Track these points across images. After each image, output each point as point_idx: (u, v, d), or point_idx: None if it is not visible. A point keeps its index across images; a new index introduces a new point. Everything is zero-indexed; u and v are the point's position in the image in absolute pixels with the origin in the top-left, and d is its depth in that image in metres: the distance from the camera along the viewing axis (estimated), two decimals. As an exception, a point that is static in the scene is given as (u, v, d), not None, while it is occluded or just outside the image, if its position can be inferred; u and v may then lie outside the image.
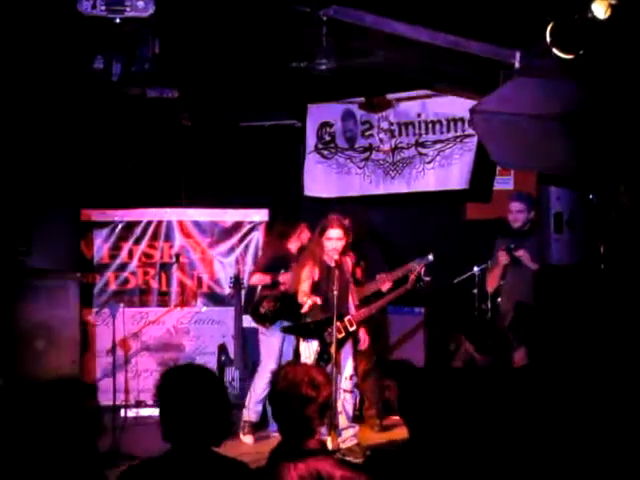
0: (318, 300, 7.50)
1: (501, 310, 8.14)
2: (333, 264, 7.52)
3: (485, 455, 3.49)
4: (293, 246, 8.60)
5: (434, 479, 3.47)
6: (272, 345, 8.43)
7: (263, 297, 8.60)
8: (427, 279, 7.94)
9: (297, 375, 3.77)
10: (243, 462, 3.61)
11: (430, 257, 8.08)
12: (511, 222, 7.93)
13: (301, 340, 7.65)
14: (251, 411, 8.38)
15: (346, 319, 7.69)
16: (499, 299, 8.81)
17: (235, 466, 3.54)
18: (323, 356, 7.49)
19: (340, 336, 7.60)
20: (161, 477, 3.43)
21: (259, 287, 8.76)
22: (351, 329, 7.70)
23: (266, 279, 8.53)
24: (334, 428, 7.35)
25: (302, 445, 3.65)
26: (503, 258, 7.85)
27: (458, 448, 3.48)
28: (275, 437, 7.53)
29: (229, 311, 9.48)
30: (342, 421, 7.58)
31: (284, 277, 8.41)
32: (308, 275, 7.60)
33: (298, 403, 3.69)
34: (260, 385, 8.35)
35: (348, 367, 7.69)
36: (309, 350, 7.54)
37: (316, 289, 7.61)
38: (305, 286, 7.59)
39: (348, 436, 7.69)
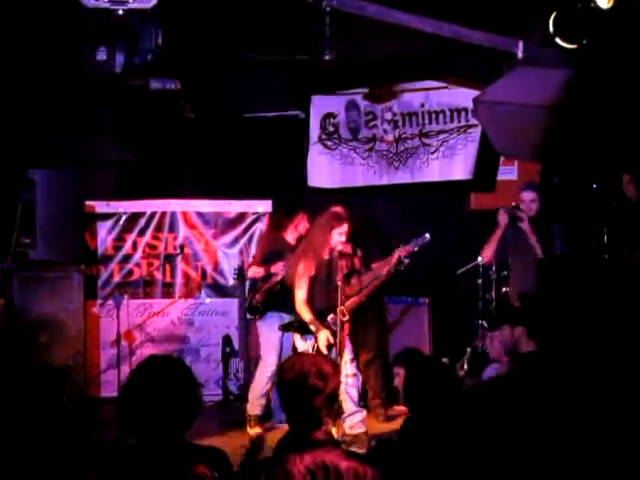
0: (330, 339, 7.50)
1: (510, 300, 8.16)
2: (336, 254, 7.50)
3: (489, 444, 3.49)
4: (290, 237, 8.54)
5: (435, 469, 3.48)
6: (272, 339, 8.42)
7: (255, 289, 8.61)
8: (407, 261, 7.80)
9: (305, 366, 3.76)
10: (219, 449, 3.61)
11: (427, 236, 7.76)
12: (525, 211, 7.83)
13: (298, 336, 7.64)
14: (254, 405, 8.32)
15: (338, 309, 7.58)
16: (506, 289, 8.83)
17: (210, 453, 3.54)
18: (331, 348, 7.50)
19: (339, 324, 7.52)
20: (131, 466, 3.45)
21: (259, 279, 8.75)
22: (344, 319, 7.65)
23: (260, 271, 8.52)
24: (339, 416, 7.33)
25: (309, 436, 3.65)
26: (502, 218, 7.79)
27: (461, 437, 3.49)
28: (280, 428, 7.66)
29: (233, 302, 9.50)
30: (348, 406, 7.55)
31: (276, 267, 8.38)
32: (304, 271, 7.55)
33: (305, 394, 3.68)
34: (261, 380, 8.33)
35: (346, 351, 7.65)
36: (306, 346, 7.53)
37: (314, 283, 7.61)
38: (302, 294, 7.52)
39: (355, 422, 7.61)
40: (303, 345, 7.57)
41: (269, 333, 8.43)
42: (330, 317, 7.57)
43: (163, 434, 3.45)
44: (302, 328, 7.59)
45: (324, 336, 7.41)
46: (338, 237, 7.51)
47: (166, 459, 3.42)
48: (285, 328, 8.00)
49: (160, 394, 3.47)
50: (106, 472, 3.49)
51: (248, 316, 8.84)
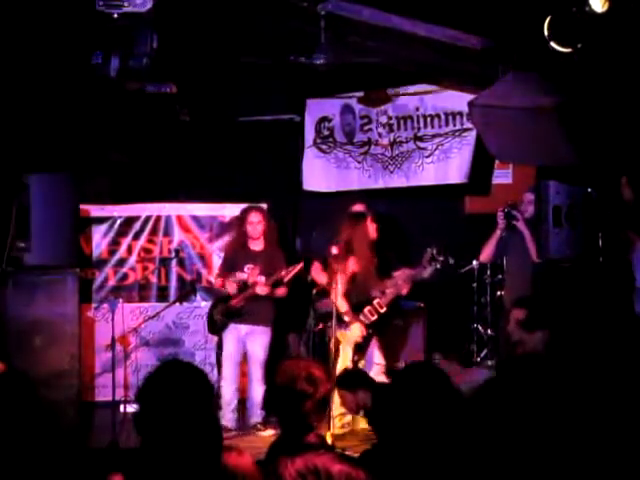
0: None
1: (505, 305, 8.14)
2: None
3: (486, 446, 3.48)
4: (249, 230, 8.49)
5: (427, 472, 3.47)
6: (228, 348, 8.45)
7: (222, 300, 8.59)
8: (441, 258, 7.95)
9: (295, 370, 3.76)
10: None
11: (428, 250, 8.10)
12: (521, 212, 7.83)
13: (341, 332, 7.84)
14: (226, 419, 8.13)
15: (375, 302, 7.97)
16: (501, 292, 8.83)
17: None
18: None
19: (373, 318, 7.95)
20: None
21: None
22: (381, 311, 7.96)
23: (233, 286, 8.45)
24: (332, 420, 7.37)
25: (301, 440, 3.65)
26: (501, 218, 7.79)
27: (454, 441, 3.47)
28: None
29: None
30: None
31: (253, 275, 8.37)
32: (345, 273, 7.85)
33: (295, 398, 3.68)
34: (227, 392, 8.35)
35: (378, 355, 8.03)
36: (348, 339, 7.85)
37: (354, 281, 7.97)
38: (340, 288, 7.81)
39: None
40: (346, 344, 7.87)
41: (227, 345, 8.43)
42: (367, 309, 7.92)
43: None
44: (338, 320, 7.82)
45: (358, 328, 7.84)
46: (372, 226, 8.06)
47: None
48: (322, 319, 8.16)
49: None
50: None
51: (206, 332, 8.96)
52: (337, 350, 7.72)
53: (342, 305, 7.87)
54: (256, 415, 8.33)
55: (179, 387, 3.28)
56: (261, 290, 8.25)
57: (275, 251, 8.52)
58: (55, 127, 9.12)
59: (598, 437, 3.21)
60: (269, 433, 7.92)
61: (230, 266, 8.55)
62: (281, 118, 10.68)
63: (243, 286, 8.40)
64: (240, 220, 8.65)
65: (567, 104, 5.68)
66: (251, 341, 8.38)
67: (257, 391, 8.31)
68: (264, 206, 8.91)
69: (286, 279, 8.24)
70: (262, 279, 8.26)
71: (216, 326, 8.59)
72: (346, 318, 7.87)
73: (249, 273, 8.38)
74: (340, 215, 8.28)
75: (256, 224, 8.42)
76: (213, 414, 3.32)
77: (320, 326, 8.27)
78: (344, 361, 7.87)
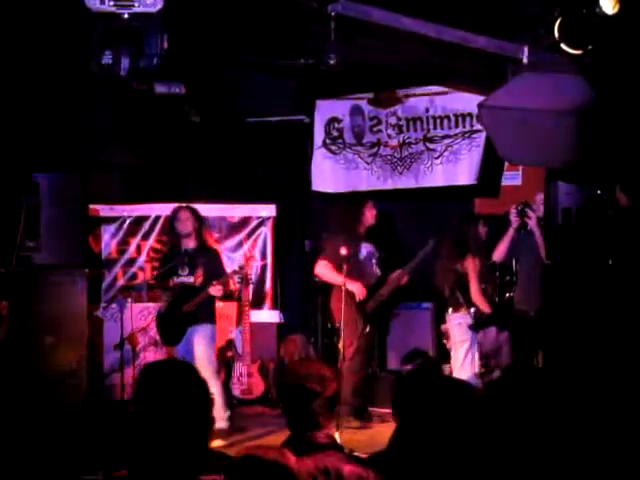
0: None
1: (515, 305, 8.16)
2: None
3: (491, 448, 3.48)
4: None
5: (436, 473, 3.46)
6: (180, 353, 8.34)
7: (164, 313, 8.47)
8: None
9: (305, 370, 3.77)
10: (223, 453, 3.54)
11: (430, 243, 8.50)
12: (534, 211, 7.83)
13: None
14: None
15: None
16: (510, 294, 8.82)
17: (214, 458, 3.44)
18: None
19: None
20: None
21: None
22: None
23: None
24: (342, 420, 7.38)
25: (310, 440, 3.65)
26: (514, 217, 7.79)
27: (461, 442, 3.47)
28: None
29: (236, 306, 9.50)
30: None
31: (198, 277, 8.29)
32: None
33: (305, 397, 3.69)
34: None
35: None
36: None
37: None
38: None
39: None
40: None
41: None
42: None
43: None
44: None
45: (359, 287, 8.30)
46: (369, 213, 8.53)
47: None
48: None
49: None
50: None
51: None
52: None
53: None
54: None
55: (167, 387, 3.24)
56: (215, 291, 8.18)
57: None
58: (65, 127, 9.14)
59: (604, 435, 3.21)
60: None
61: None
62: (290, 119, 10.68)
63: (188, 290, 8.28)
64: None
65: (578, 106, 5.67)
66: (198, 340, 8.18)
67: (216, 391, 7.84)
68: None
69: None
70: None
71: (175, 337, 8.31)
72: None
73: (196, 276, 8.27)
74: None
75: (184, 221, 8.34)
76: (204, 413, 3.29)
77: (368, 329, 8.43)
78: None
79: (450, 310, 8.23)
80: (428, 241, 8.43)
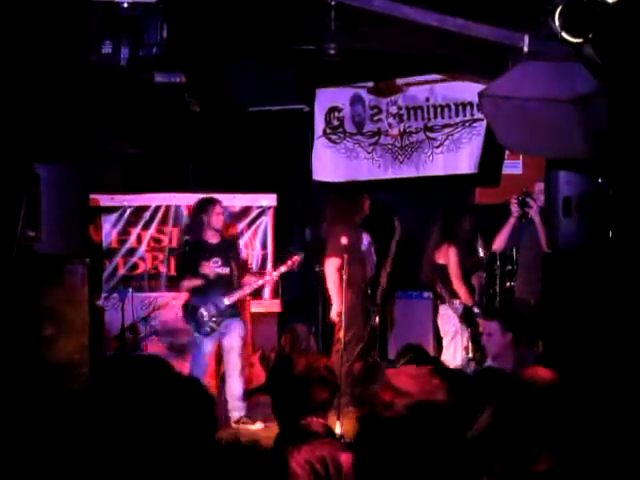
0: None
1: (516, 295, 8.15)
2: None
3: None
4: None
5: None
6: (207, 347, 8.46)
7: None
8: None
9: (312, 361, 3.80)
10: None
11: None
12: (535, 200, 7.82)
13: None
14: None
15: None
16: (511, 283, 8.82)
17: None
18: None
19: None
20: None
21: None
22: None
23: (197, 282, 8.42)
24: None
25: (307, 429, 3.66)
26: (514, 206, 7.78)
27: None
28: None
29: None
30: None
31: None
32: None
33: (312, 387, 3.71)
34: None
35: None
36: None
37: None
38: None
39: None
40: None
41: (207, 343, 8.44)
42: None
43: None
44: None
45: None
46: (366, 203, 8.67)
47: None
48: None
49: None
50: None
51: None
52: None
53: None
54: (238, 409, 8.27)
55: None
56: (257, 285, 8.46)
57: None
58: (65, 117, 9.13)
59: (604, 425, 3.21)
60: (258, 427, 7.98)
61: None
62: (291, 108, 10.67)
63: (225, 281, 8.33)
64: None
65: (579, 95, 5.66)
66: (229, 334, 8.32)
67: (237, 384, 8.29)
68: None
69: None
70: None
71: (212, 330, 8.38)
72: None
73: (232, 268, 8.38)
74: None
75: (219, 215, 8.45)
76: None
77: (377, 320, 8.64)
78: None
79: (438, 302, 8.39)
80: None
